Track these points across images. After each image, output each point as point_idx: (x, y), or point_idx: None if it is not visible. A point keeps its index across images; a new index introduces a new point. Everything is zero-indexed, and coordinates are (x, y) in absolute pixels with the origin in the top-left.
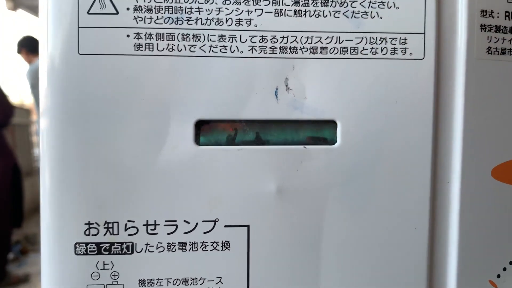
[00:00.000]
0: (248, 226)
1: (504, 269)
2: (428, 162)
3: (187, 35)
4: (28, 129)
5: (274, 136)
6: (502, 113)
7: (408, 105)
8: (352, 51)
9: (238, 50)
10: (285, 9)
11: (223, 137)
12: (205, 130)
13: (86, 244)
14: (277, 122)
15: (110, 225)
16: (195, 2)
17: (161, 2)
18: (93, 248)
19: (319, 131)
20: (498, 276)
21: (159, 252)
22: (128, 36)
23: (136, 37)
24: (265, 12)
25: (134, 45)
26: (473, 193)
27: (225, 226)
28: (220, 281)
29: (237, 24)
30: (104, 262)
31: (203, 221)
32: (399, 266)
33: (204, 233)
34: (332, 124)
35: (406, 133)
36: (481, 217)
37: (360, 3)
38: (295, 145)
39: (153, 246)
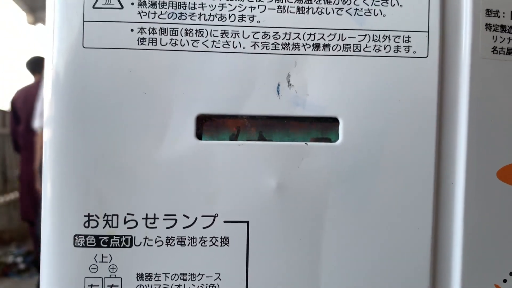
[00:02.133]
0: (247, 222)
1: (511, 273)
2: (431, 162)
3: (190, 30)
4: None
5: (278, 136)
6: (508, 114)
7: (412, 104)
8: (355, 48)
9: (240, 46)
10: (288, 6)
11: (226, 137)
12: (208, 129)
13: (85, 236)
14: (280, 122)
15: (110, 218)
16: None
17: None
18: (92, 240)
19: (324, 133)
20: (505, 281)
21: (158, 246)
22: (132, 30)
23: (140, 31)
24: (268, 9)
25: (138, 39)
26: (478, 194)
27: (225, 221)
28: (218, 277)
29: (240, 20)
30: (102, 254)
31: (202, 216)
32: (401, 266)
33: (203, 228)
34: (337, 125)
35: (409, 132)
36: (486, 219)
37: (363, 1)
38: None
39: (152, 240)
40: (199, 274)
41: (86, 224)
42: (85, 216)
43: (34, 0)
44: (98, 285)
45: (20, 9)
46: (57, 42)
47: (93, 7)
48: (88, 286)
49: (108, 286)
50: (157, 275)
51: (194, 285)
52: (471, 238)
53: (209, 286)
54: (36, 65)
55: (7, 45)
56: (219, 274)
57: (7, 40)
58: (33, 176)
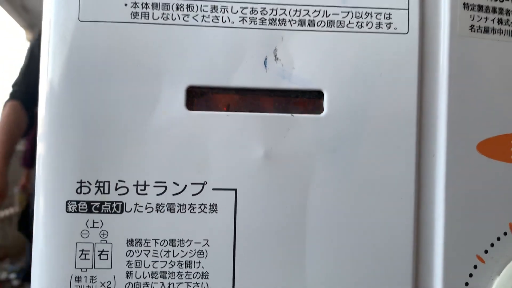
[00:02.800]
0: (235, 190)
1: (492, 244)
2: (413, 135)
3: (181, 5)
4: None
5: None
6: (486, 89)
7: (393, 78)
8: (338, 24)
9: (229, 21)
10: None
11: None
12: (198, 105)
13: (77, 202)
14: (269, 100)
15: (102, 184)
16: None
17: None
18: (84, 206)
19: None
20: (486, 251)
21: (148, 212)
22: (125, 5)
23: (133, 6)
24: None
25: (131, 14)
26: (458, 166)
27: (213, 189)
28: (206, 243)
29: None
30: (94, 220)
31: (191, 184)
32: (385, 234)
33: (193, 195)
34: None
35: (391, 105)
36: (467, 191)
37: None
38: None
39: (142, 206)
40: (187, 240)
41: (79, 190)
42: (77, 182)
43: (33, 17)
44: (89, 250)
45: (19, 25)
46: (54, 15)
47: None
48: (79, 251)
49: (98, 251)
50: (146, 241)
51: (183, 251)
52: (452, 209)
53: (198, 252)
54: None
55: (5, 61)
56: (207, 240)
57: (5, 57)
58: None
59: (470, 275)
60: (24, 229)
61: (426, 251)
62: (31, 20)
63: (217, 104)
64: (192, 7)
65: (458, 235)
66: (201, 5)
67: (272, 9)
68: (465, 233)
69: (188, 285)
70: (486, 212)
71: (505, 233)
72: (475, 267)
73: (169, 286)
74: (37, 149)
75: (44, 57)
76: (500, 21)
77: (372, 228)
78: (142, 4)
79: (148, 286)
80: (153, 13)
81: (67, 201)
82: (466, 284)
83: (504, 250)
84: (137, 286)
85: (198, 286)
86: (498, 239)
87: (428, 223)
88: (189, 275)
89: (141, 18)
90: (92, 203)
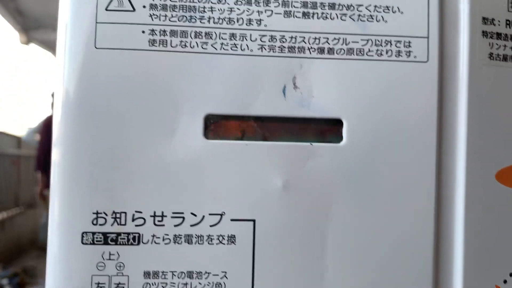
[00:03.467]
0: (254, 220)
1: (511, 274)
2: (432, 164)
3: (200, 33)
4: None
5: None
6: (505, 118)
7: (413, 106)
8: (358, 52)
9: (248, 49)
10: (294, 11)
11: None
12: (213, 132)
13: (93, 233)
14: (285, 127)
15: (118, 215)
16: (208, 2)
17: (176, 1)
18: (100, 238)
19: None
20: (505, 281)
21: (165, 244)
22: (143, 32)
23: (151, 33)
24: (275, 13)
25: (149, 41)
26: (477, 196)
27: (231, 220)
28: (225, 275)
29: (248, 24)
30: (110, 252)
31: (209, 214)
32: (404, 268)
33: (211, 226)
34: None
35: (411, 134)
36: (486, 221)
37: (365, 7)
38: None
39: (159, 237)
40: (205, 273)
41: (94, 222)
42: (93, 213)
43: (27, 20)
44: (105, 283)
45: (13, 28)
46: (69, 42)
47: (106, 9)
48: (95, 284)
49: (115, 284)
50: (164, 273)
51: (201, 284)
52: (472, 239)
53: (216, 284)
54: None
55: None
56: (226, 272)
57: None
58: None
59: None
60: None
61: (446, 281)
62: (25, 23)
63: (235, 133)
64: (210, 35)
65: (477, 265)
66: (219, 33)
67: (291, 37)
68: (484, 263)
69: None
70: (505, 242)
71: None
72: None
73: None
74: (51, 179)
75: (59, 84)
76: None
77: (392, 259)
78: (160, 32)
79: None
80: (171, 41)
81: (83, 233)
82: None
83: None
84: None
85: None
86: None
87: (447, 253)
88: None
89: (159, 45)
90: (108, 235)
